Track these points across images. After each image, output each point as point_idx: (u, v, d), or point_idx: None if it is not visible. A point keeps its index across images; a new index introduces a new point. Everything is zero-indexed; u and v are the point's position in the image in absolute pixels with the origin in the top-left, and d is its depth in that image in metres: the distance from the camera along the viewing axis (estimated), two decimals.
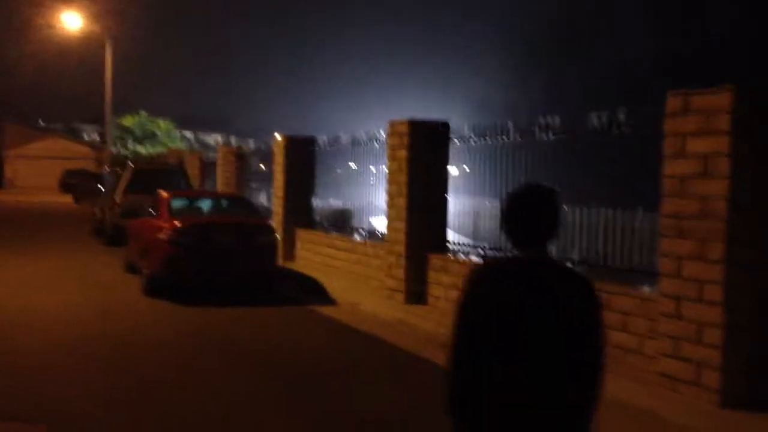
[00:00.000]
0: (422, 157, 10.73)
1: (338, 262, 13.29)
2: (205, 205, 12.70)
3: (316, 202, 14.96)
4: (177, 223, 11.29)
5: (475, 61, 70.21)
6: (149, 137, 53.44)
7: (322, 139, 14.62)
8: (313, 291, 12.13)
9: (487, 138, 9.73)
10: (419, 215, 10.71)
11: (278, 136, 15.56)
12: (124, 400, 6.44)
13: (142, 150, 52.52)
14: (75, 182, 39.46)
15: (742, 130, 6.19)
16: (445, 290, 10.20)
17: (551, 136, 8.66)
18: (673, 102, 6.66)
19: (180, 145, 54.16)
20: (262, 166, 17.58)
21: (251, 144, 19.53)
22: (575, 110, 9.10)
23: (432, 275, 10.54)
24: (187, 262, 11.06)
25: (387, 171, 11.32)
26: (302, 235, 15.01)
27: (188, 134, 73.92)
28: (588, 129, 8.06)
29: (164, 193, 12.58)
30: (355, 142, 13.17)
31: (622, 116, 7.68)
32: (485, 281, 2.78)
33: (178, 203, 12.37)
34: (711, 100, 6.33)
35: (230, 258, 11.41)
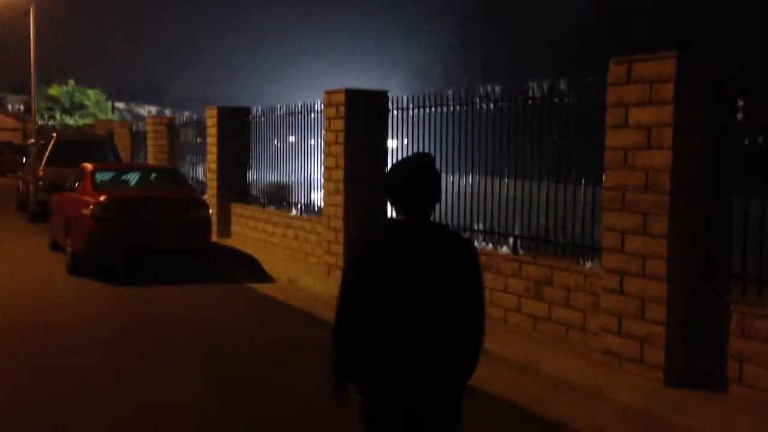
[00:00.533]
0: (360, 128, 10.36)
1: (275, 239, 12.86)
2: (133, 178, 12.07)
3: (253, 176, 14.45)
4: (101, 197, 10.68)
5: (414, 28, 69.25)
6: (78, 108, 51.58)
7: (257, 109, 14.09)
8: (248, 268, 11.70)
9: (428, 108, 9.40)
10: (357, 188, 10.37)
11: (211, 108, 14.95)
12: (37, 391, 5.97)
13: (70, 121, 50.62)
14: None
15: (686, 99, 6.01)
16: None
17: (492, 106, 8.39)
18: (615, 70, 6.43)
19: (111, 116, 52.43)
20: (198, 139, 16.93)
21: (186, 116, 18.72)
22: (516, 81, 8.83)
23: None
24: (113, 238, 10.49)
25: (324, 143, 10.93)
26: (238, 211, 14.51)
27: (121, 106, 71.68)
28: (530, 98, 7.82)
29: (88, 166, 11.93)
30: (291, 113, 12.70)
31: (563, 86, 7.46)
32: (369, 245, 2.98)
33: (103, 176, 11.72)
34: (654, 67, 6.10)
35: (159, 234, 10.87)
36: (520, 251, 7.97)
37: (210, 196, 15.03)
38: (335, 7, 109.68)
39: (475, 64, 59.32)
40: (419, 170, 2.99)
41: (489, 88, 8.47)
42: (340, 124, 10.40)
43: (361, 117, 10.34)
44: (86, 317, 8.49)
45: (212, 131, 14.82)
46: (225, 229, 14.67)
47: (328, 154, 10.71)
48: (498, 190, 8.31)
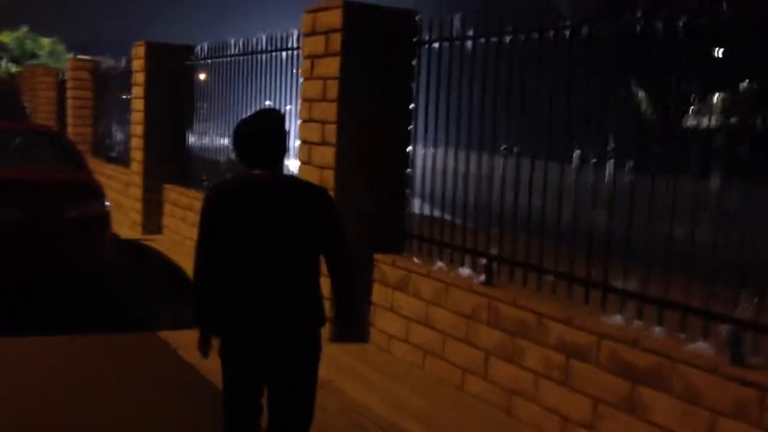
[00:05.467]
0: (369, 72, 5.87)
1: None
2: None
3: (195, 148, 9.85)
4: None
5: None
6: (29, 57, 46.24)
7: (201, 48, 9.43)
8: (178, 295, 7.23)
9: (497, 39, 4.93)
10: (360, 192, 5.90)
11: (137, 45, 10.26)
12: None
13: (14, 70, 45.35)
14: None
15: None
16: None
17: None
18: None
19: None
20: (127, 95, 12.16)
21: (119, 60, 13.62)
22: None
23: None
24: None
25: (301, 101, 6.38)
26: (172, 196, 9.95)
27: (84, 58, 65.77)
28: None
29: None
30: (253, 51, 8.09)
31: None
32: (222, 195, 3.02)
33: None
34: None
35: (20, 244, 6.40)
36: None
37: (134, 173, 10.42)
38: None
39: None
40: (263, 127, 3.03)
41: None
42: (332, 65, 5.86)
43: (372, 52, 5.83)
44: None
45: (138, 78, 10.16)
46: (153, 222, 10.13)
47: (308, 119, 6.18)
48: None
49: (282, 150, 3.06)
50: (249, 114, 3.15)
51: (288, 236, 2.95)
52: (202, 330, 3.08)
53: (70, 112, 14.39)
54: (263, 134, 3.02)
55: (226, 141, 8.97)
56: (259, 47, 7.86)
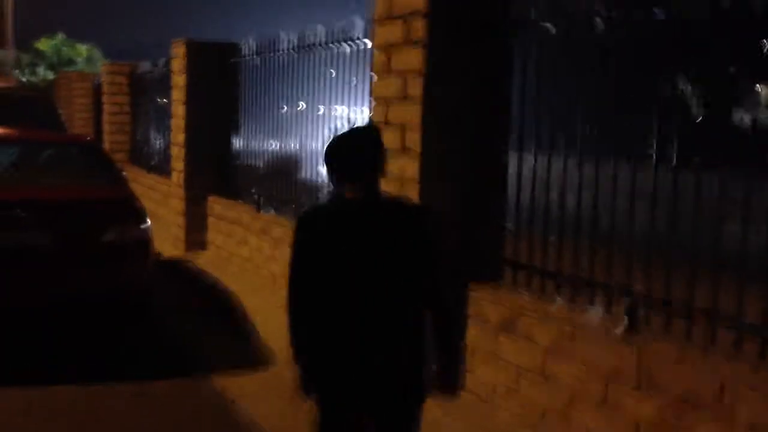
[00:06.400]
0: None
1: (277, 264, 7.33)
2: (4, 159, 6.52)
3: (244, 155, 8.89)
4: None
5: None
6: (66, 64, 46.13)
7: (249, 45, 8.44)
8: (227, 327, 6.30)
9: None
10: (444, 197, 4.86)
11: (177, 42, 9.34)
12: None
13: (52, 77, 45.29)
14: None
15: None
16: None
17: None
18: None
19: None
20: (165, 99, 11.27)
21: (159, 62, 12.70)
22: None
23: None
24: None
25: (374, 100, 5.35)
26: (217, 208, 9.03)
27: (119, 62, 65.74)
28: None
29: None
30: (311, 44, 7.08)
31: None
32: (312, 223, 2.77)
33: None
34: None
35: (44, 273, 5.49)
36: None
37: (174, 184, 9.53)
38: None
39: None
40: (359, 142, 2.75)
41: None
42: (413, 58, 4.83)
43: (463, 40, 4.78)
44: None
45: (178, 80, 9.24)
46: (197, 238, 9.21)
47: (383, 122, 5.15)
48: None
49: (379, 168, 2.75)
50: (343, 130, 2.90)
51: (386, 273, 2.64)
52: (302, 368, 2.75)
53: (106, 118, 13.60)
54: (358, 151, 2.72)
55: (276, 146, 8.01)
56: (317, 40, 6.86)
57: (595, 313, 4.00)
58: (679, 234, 3.66)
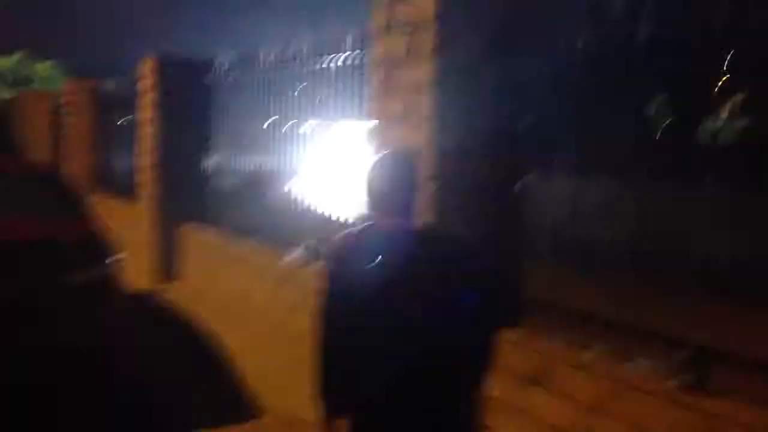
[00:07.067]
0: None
1: (259, 296, 6.70)
2: None
3: (217, 178, 8.25)
4: None
5: None
6: (23, 83, 44.98)
7: (222, 62, 7.82)
8: (202, 379, 5.66)
9: None
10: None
11: (146, 60, 8.69)
12: None
13: (6, 96, 44.15)
14: None
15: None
16: None
17: None
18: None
19: None
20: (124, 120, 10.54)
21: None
22: None
23: None
24: None
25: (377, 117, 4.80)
26: (192, 237, 8.38)
27: (82, 80, 64.39)
28: None
29: None
30: (293, 58, 6.50)
31: None
32: (344, 258, 2.60)
33: None
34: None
35: (3, 324, 4.82)
36: None
37: (144, 209, 8.87)
38: None
39: None
40: (393, 170, 2.59)
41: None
42: (418, 73, 4.29)
43: (475, 51, 4.26)
44: None
45: (146, 99, 8.60)
46: (169, 268, 8.55)
47: (384, 145, 4.59)
48: None
49: (412, 196, 2.60)
50: (378, 158, 2.69)
51: (427, 300, 2.46)
52: (327, 408, 2.62)
53: (67, 141, 12.85)
54: (394, 180, 2.57)
55: (258, 167, 7.40)
56: (302, 57, 6.29)
57: (643, 365, 3.47)
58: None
